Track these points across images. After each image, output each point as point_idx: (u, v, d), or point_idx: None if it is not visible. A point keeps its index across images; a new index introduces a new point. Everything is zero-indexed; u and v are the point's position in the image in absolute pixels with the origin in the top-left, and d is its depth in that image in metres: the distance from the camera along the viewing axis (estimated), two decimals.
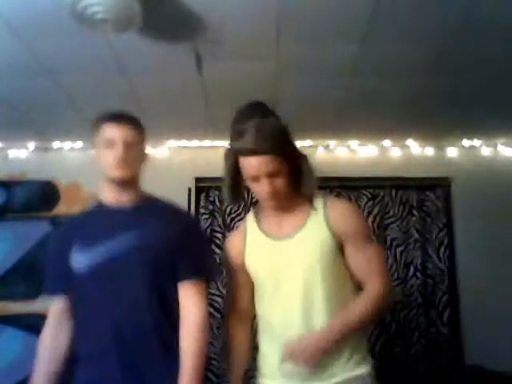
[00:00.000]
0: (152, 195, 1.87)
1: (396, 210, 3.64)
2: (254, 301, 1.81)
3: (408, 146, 3.75)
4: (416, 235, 3.62)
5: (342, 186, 3.63)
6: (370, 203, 3.64)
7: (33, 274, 3.57)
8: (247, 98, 2.98)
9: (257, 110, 1.72)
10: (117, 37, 2.20)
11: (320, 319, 1.64)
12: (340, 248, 1.70)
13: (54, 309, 1.98)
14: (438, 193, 3.71)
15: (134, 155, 1.74)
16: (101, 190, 1.84)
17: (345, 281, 1.72)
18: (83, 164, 3.70)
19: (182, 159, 3.71)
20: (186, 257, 1.74)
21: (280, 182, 1.65)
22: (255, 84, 2.77)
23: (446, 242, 3.64)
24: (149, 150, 3.70)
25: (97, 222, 1.79)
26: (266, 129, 1.63)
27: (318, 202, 1.72)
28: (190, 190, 3.61)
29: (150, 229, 1.72)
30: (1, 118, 3.20)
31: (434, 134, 3.62)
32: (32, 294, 3.54)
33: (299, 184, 1.70)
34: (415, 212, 3.65)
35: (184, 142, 3.71)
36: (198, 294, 1.72)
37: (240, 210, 3.61)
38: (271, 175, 1.63)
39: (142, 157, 1.81)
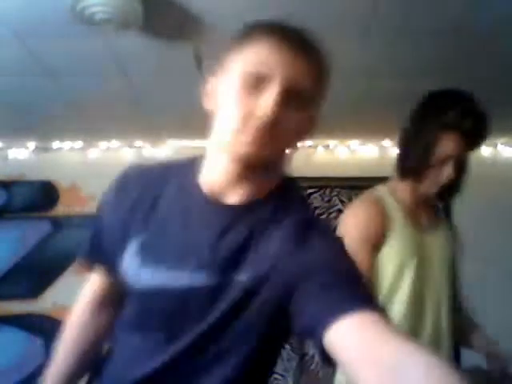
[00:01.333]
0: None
1: None
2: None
3: None
4: None
5: (342, 185, 3.63)
6: None
7: (33, 274, 3.58)
8: None
9: (470, 94, 1.63)
10: (117, 37, 2.20)
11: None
12: None
13: (96, 283, 1.24)
14: None
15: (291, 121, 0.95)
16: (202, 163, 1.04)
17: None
18: (83, 164, 3.71)
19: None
20: None
21: (456, 172, 1.63)
22: None
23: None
24: (149, 149, 3.72)
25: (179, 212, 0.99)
26: (487, 119, 1.61)
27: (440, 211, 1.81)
28: None
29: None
30: (1, 118, 3.20)
31: None
32: (32, 293, 3.55)
33: (453, 187, 1.73)
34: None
35: (184, 142, 3.71)
36: None
37: None
38: (457, 163, 1.61)
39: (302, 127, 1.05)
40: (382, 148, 3.74)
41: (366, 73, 2.67)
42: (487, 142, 4.01)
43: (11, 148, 3.69)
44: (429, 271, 1.65)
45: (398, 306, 1.60)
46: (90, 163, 3.71)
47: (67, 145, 3.70)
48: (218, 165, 0.98)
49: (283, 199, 1.03)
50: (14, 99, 2.93)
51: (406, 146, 1.66)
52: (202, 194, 0.98)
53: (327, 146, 3.74)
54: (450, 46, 2.39)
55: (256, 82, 0.90)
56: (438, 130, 1.57)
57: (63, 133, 3.55)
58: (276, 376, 3.45)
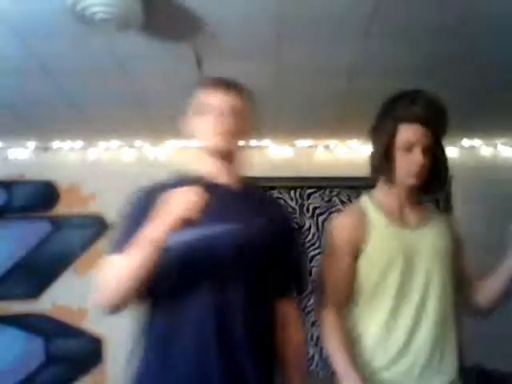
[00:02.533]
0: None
1: None
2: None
3: None
4: None
5: (342, 186, 3.63)
6: None
7: (33, 274, 3.58)
8: None
9: (426, 91, 1.72)
10: (117, 37, 2.20)
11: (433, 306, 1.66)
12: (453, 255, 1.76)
13: None
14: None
15: (238, 126, 1.53)
16: (194, 163, 1.60)
17: (451, 287, 1.74)
18: (83, 164, 3.71)
19: (181, 159, 3.71)
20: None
21: (428, 161, 1.64)
22: (255, 84, 2.76)
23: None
24: (149, 149, 3.72)
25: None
26: (437, 104, 1.66)
27: (430, 207, 1.79)
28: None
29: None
30: (1, 118, 3.20)
31: None
32: (32, 294, 3.55)
33: (435, 178, 1.70)
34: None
35: (184, 142, 3.71)
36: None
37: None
38: (425, 150, 1.63)
39: (246, 130, 1.58)
40: None
41: (365, 73, 2.67)
42: (487, 142, 4.02)
43: (11, 148, 3.69)
44: (417, 266, 1.66)
45: (383, 304, 1.65)
46: (90, 163, 3.71)
47: (67, 145, 3.70)
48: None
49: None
50: (14, 99, 2.93)
51: (372, 147, 1.74)
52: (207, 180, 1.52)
53: (327, 146, 3.74)
54: (449, 46, 2.39)
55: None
56: (392, 123, 1.66)
57: (63, 133, 3.55)
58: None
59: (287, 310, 1.58)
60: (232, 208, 1.48)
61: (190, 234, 1.38)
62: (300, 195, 3.64)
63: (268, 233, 1.50)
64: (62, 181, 3.67)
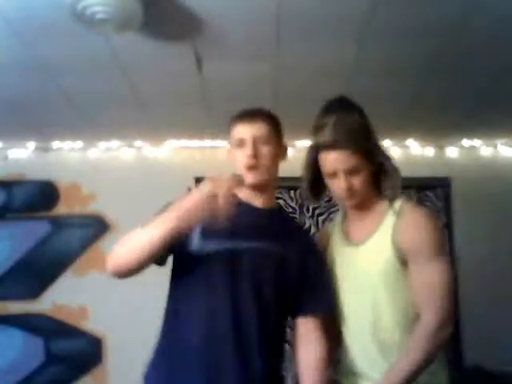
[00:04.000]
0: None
1: None
2: None
3: (408, 146, 3.75)
4: None
5: None
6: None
7: (33, 274, 3.58)
8: (247, 98, 2.99)
9: (339, 104, 1.70)
10: (117, 37, 2.20)
11: (388, 332, 1.58)
12: (405, 265, 1.58)
13: None
14: (438, 193, 3.71)
15: (265, 154, 1.58)
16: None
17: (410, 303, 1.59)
18: (83, 164, 3.71)
19: (181, 159, 3.72)
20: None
21: (358, 180, 1.59)
22: (255, 84, 2.77)
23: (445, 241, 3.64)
24: (149, 150, 3.72)
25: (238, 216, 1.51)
26: (346, 123, 1.59)
27: (395, 208, 1.62)
28: (189, 190, 3.60)
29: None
30: (1, 118, 3.20)
31: (434, 134, 3.62)
32: (32, 294, 3.55)
33: (380, 186, 1.65)
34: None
35: (184, 142, 3.71)
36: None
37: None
38: (349, 172, 1.57)
39: (277, 154, 1.63)
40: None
41: (365, 73, 2.67)
42: (487, 142, 4.00)
43: (11, 148, 3.68)
44: (361, 284, 1.62)
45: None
46: (90, 163, 3.71)
47: (67, 145, 3.70)
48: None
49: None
50: (14, 99, 2.93)
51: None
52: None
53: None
54: (449, 46, 2.39)
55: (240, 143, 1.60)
56: (310, 154, 1.68)
57: (63, 133, 3.55)
58: None
59: (305, 329, 1.64)
60: (258, 228, 1.57)
61: (213, 245, 1.52)
62: (300, 195, 3.64)
63: (288, 255, 1.59)
64: (62, 181, 3.67)
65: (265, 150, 1.57)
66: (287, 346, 1.72)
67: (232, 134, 1.62)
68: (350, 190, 1.59)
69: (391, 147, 3.73)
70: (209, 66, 2.54)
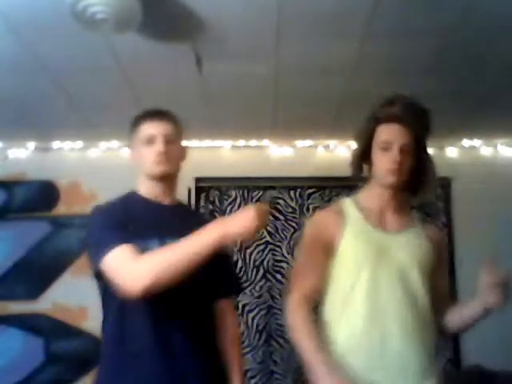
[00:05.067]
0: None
1: None
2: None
3: None
4: None
5: (342, 185, 3.62)
6: None
7: (33, 274, 3.57)
8: (247, 98, 3.00)
9: (406, 96, 1.77)
10: (117, 37, 2.20)
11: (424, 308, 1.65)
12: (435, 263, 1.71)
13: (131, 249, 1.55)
14: (437, 193, 3.71)
15: (173, 151, 1.73)
16: (138, 186, 1.80)
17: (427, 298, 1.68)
18: (83, 164, 3.71)
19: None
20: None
21: (407, 161, 1.66)
22: (255, 84, 2.77)
23: (445, 241, 3.64)
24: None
25: (144, 213, 1.69)
26: (417, 105, 1.71)
27: (416, 215, 1.79)
28: (189, 190, 3.61)
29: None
30: (1, 118, 3.20)
31: (434, 134, 3.60)
32: (32, 294, 3.55)
33: (419, 183, 1.73)
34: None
35: (184, 142, 3.71)
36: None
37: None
38: (403, 149, 1.65)
39: (181, 153, 1.81)
40: None
41: (365, 73, 2.67)
42: (487, 142, 4.00)
43: (11, 148, 3.68)
44: (389, 269, 1.63)
45: (355, 305, 1.62)
46: (90, 163, 3.71)
47: (67, 145, 3.70)
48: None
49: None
50: (14, 99, 2.93)
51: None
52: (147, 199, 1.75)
53: (327, 146, 3.74)
54: (449, 47, 2.39)
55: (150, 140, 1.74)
56: (371, 124, 1.73)
57: (63, 133, 3.55)
58: (276, 376, 3.45)
59: (223, 309, 1.75)
60: (167, 223, 1.66)
61: (154, 244, 1.57)
62: (300, 195, 3.64)
63: None
64: (62, 181, 3.67)
65: (171, 148, 1.72)
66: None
67: (140, 132, 1.77)
68: (400, 166, 1.64)
69: None
70: (209, 66, 2.54)
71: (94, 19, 1.93)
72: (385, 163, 1.66)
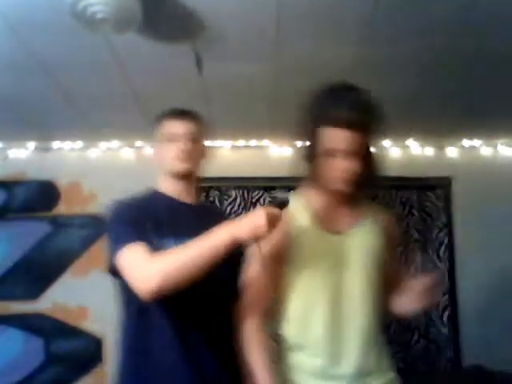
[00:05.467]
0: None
1: (396, 209, 3.64)
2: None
3: (408, 146, 3.75)
4: (416, 235, 3.62)
5: None
6: None
7: (33, 274, 3.58)
8: (247, 98, 3.00)
9: (352, 85, 1.57)
10: (117, 37, 2.20)
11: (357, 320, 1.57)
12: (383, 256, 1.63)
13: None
14: (438, 193, 3.71)
15: (195, 149, 1.74)
16: (159, 184, 1.80)
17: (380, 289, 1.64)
18: (83, 164, 3.71)
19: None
20: None
21: (355, 167, 1.51)
22: (255, 84, 2.77)
23: (445, 242, 3.64)
24: (149, 150, 3.72)
25: (163, 211, 1.68)
26: (368, 106, 1.52)
27: (368, 205, 1.68)
28: None
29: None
30: (1, 118, 3.20)
31: (434, 134, 3.62)
32: (32, 294, 3.55)
33: (367, 179, 1.58)
34: (415, 212, 3.66)
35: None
36: None
37: (240, 210, 3.62)
38: (353, 155, 1.50)
39: (203, 152, 1.81)
40: (382, 148, 3.74)
41: (365, 73, 2.66)
42: (487, 142, 4.00)
43: (11, 148, 3.68)
44: (347, 271, 1.58)
45: (316, 318, 1.56)
46: (90, 163, 3.71)
47: (67, 145, 3.70)
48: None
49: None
50: (14, 99, 2.93)
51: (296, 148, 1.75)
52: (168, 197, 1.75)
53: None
54: (449, 46, 2.39)
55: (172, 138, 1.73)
56: (313, 125, 1.55)
57: (63, 133, 3.55)
58: None
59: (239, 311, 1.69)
60: (186, 222, 1.66)
61: (170, 243, 1.57)
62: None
63: None
64: (62, 181, 3.67)
65: (194, 146, 1.72)
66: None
67: (163, 129, 1.76)
68: (349, 172, 1.52)
69: (391, 147, 3.74)
70: (209, 66, 2.53)
71: (94, 19, 1.92)
72: (332, 171, 1.53)
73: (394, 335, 3.46)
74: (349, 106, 1.48)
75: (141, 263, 1.47)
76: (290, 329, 1.60)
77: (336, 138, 1.49)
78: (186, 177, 1.73)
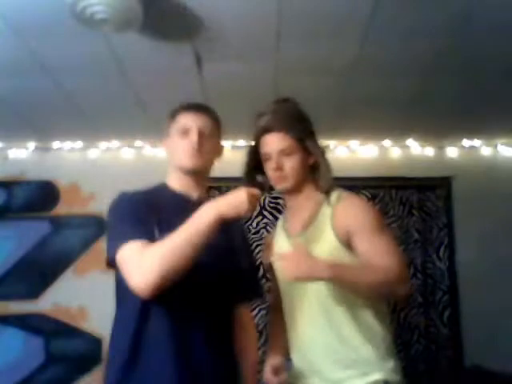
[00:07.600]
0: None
1: (396, 209, 3.64)
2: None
3: (408, 146, 3.75)
4: (416, 235, 3.62)
5: (342, 185, 3.61)
6: (370, 203, 3.65)
7: (33, 274, 3.58)
8: (247, 98, 3.00)
9: (277, 100, 1.82)
10: (117, 37, 2.20)
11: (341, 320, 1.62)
12: (349, 247, 1.61)
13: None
14: (438, 193, 3.71)
15: (207, 145, 1.67)
16: (168, 178, 1.76)
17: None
18: (83, 164, 3.71)
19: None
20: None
21: (289, 163, 1.68)
22: (255, 84, 2.77)
23: (445, 242, 3.64)
24: (149, 150, 3.72)
25: (169, 206, 1.64)
26: (282, 110, 1.74)
27: (331, 199, 1.69)
28: None
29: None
30: (1, 118, 3.20)
31: (434, 134, 3.62)
32: (32, 293, 3.55)
33: (316, 177, 1.74)
34: (415, 212, 3.65)
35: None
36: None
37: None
38: (282, 154, 1.68)
39: (215, 149, 1.75)
40: (382, 148, 3.74)
41: (365, 73, 2.67)
42: (487, 142, 4.00)
43: (11, 148, 3.68)
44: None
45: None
46: (90, 163, 3.71)
47: (67, 145, 3.70)
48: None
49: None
50: (14, 99, 2.93)
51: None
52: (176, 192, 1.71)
53: (327, 146, 3.73)
54: (450, 47, 2.39)
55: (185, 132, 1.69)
56: (253, 138, 1.79)
57: (63, 133, 3.55)
58: None
59: (241, 312, 1.74)
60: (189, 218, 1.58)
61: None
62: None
63: (224, 248, 1.62)
64: (62, 181, 3.67)
65: (206, 142, 1.67)
66: None
67: (177, 123, 1.71)
68: (280, 171, 1.68)
69: (391, 147, 3.74)
70: (209, 66, 2.54)
71: (94, 19, 1.93)
72: (269, 172, 1.72)
73: (394, 335, 3.46)
74: (269, 114, 1.72)
75: (137, 262, 1.45)
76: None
77: (264, 142, 1.72)
78: (195, 173, 1.68)
